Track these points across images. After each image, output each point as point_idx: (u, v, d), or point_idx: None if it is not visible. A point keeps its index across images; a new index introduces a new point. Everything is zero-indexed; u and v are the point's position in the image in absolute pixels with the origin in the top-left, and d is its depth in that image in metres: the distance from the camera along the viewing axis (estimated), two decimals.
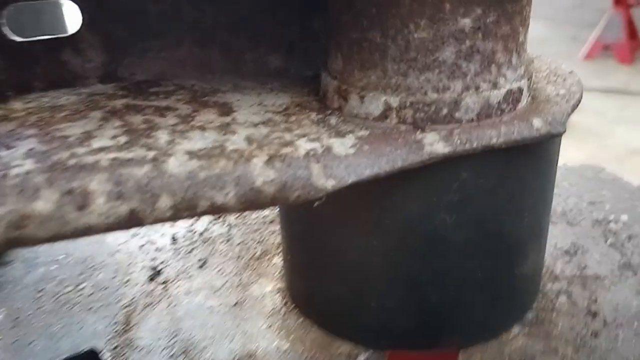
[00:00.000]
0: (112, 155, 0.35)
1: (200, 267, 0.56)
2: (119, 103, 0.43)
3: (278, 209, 0.57)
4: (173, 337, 0.48)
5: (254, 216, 0.65)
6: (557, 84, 0.45)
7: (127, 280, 0.55)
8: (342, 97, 0.42)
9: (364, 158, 0.37)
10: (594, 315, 0.48)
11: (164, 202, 0.34)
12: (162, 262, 0.58)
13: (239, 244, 0.60)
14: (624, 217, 0.59)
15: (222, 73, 0.50)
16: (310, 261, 0.48)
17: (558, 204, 0.63)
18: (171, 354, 0.47)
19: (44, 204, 0.32)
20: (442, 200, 0.40)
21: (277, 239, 0.60)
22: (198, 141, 0.37)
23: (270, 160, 0.36)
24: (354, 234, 0.44)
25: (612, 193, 0.63)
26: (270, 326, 0.49)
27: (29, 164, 0.34)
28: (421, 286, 0.44)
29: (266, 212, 0.65)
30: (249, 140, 0.38)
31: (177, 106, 0.43)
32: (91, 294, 0.54)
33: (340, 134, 0.39)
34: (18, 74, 0.46)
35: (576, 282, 0.52)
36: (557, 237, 0.58)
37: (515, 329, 0.47)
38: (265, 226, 0.62)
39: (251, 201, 0.36)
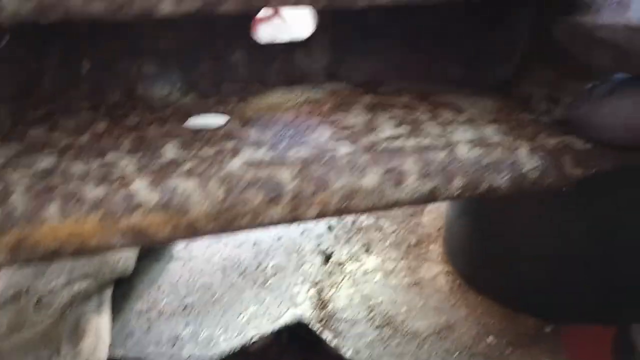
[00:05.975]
0: (410, 142, 0.41)
1: (366, 251, 0.62)
2: (367, 99, 0.49)
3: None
4: (370, 311, 0.54)
5: (396, 209, 0.71)
6: None
7: (304, 262, 0.61)
8: (552, 102, 0.49)
9: (599, 153, 0.44)
10: None
11: (457, 183, 0.40)
12: (328, 247, 0.63)
13: (391, 232, 0.66)
14: None
15: (417, 78, 0.56)
16: (500, 251, 0.55)
17: None
18: (376, 325, 0.52)
19: (370, 180, 0.38)
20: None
21: (425, 229, 0.66)
22: (467, 133, 0.44)
23: (532, 150, 0.43)
24: (549, 226, 0.51)
25: None
26: (454, 303, 0.55)
27: (344, 147, 0.39)
28: (604, 268, 0.51)
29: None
30: (504, 133, 0.45)
31: (415, 105, 0.49)
32: (275, 274, 0.59)
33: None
34: (258, 70, 0.51)
35: None
36: None
37: None
38: (409, 218, 0.69)
39: (517, 185, 0.42)
